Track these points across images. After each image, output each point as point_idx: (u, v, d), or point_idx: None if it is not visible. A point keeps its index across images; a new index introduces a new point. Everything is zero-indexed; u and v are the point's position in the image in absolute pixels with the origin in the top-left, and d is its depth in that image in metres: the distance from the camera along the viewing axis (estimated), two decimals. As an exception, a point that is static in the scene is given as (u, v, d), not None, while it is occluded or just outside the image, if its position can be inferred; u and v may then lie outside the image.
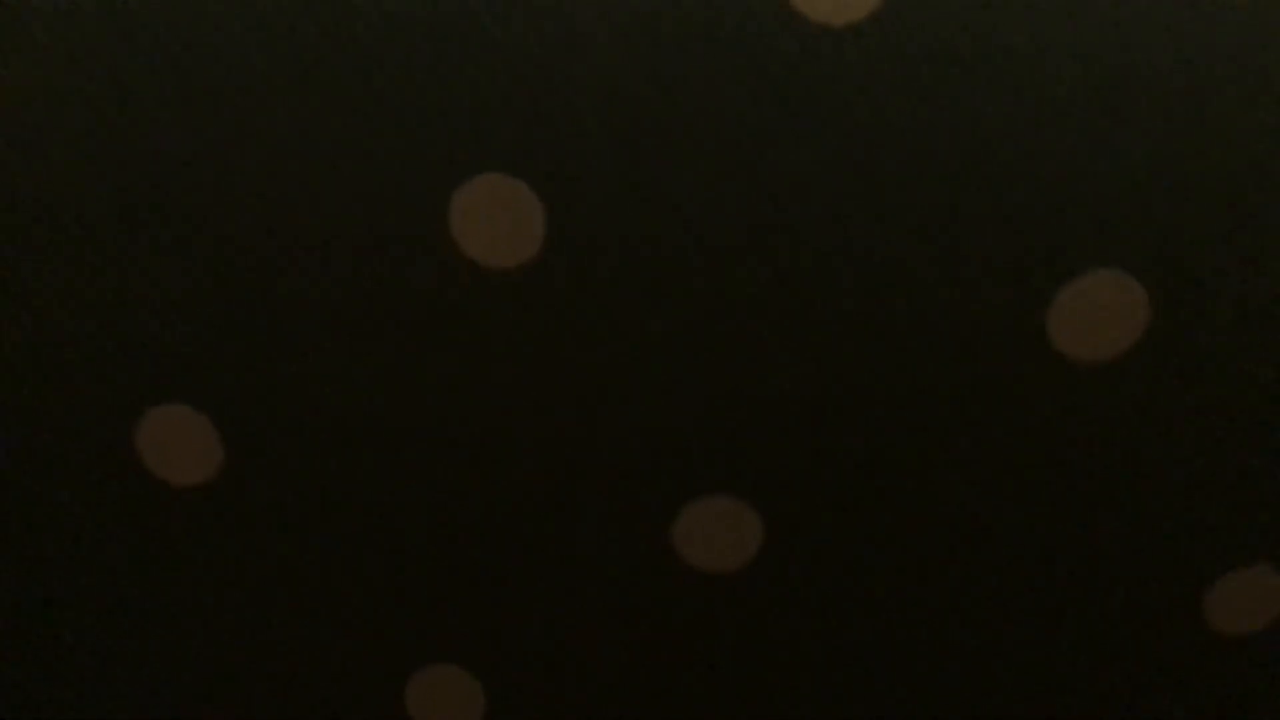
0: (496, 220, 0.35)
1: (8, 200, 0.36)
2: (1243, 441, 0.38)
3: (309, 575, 0.41)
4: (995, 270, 0.35)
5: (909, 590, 0.41)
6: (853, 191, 0.35)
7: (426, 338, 0.37)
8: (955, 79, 0.33)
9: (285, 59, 0.34)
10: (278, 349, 0.38)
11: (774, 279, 0.36)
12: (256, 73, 0.35)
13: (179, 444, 0.39)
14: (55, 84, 0.35)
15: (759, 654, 0.42)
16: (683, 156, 0.34)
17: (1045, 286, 0.35)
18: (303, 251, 0.36)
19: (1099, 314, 0.36)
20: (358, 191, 0.36)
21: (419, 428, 0.39)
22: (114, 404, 0.39)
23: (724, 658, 0.42)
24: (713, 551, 0.40)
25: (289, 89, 0.35)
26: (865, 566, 0.40)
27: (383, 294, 0.37)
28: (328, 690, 0.44)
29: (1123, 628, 0.41)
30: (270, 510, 0.40)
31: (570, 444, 0.39)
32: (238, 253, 0.37)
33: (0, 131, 0.36)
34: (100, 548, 0.41)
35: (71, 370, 0.39)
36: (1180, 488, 0.39)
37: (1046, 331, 0.36)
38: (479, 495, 0.40)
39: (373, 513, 0.40)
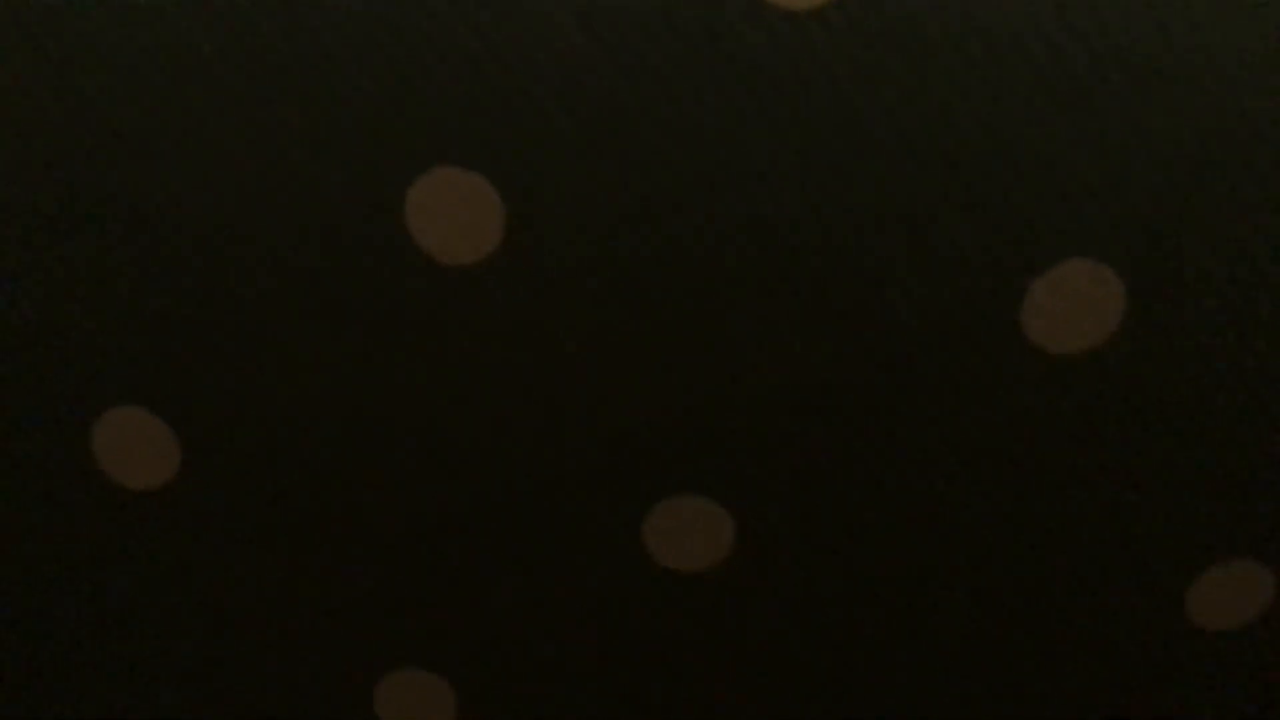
0: (454, 215, 0.34)
1: (-44, 198, 0.36)
2: (1222, 434, 0.37)
3: (271, 578, 0.41)
4: (968, 261, 0.35)
5: (884, 588, 0.40)
6: (821, 182, 0.34)
7: (384, 335, 0.36)
8: (924, 65, 0.32)
9: (237, 50, 0.34)
10: (233, 349, 0.37)
11: (741, 272, 0.35)
12: (208, 65, 0.34)
13: (135, 447, 0.39)
14: None
15: (732, 653, 0.42)
16: (646, 147, 0.34)
17: (1019, 277, 0.35)
18: (257, 249, 0.36)
19: (1074, 305, 0.35)
20: (312, 186, 0.35)
21: (379, 427, 0.38)
22: (69, 407, 0.38)
23: (697, 657, 0.42)
24: (684, 551, 0.40)
25: (241, 80, 0.34)
26: (839, 564, 0.40)
27: (339, 291, 0.36)
28: (294, 694, 0.43)
29: (1104, 623, 0.41)
30: (230, 512, 0.40)
31: (536, 443, 0.38)
32: (192, 251, 0.36)
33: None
34: (57, 552, 0.41)
35: (25, 373, 0.38)
36: (1160, 481, 0.38)
37: (1020, 323, 0.35)
38: (444, 496, 0.39)
39: (334, 514, 0.40)
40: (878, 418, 0.37)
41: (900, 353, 0.36)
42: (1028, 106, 0.32)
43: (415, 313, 0.36)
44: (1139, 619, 0.41)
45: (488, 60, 0.33)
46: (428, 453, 0.38)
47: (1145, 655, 0.41)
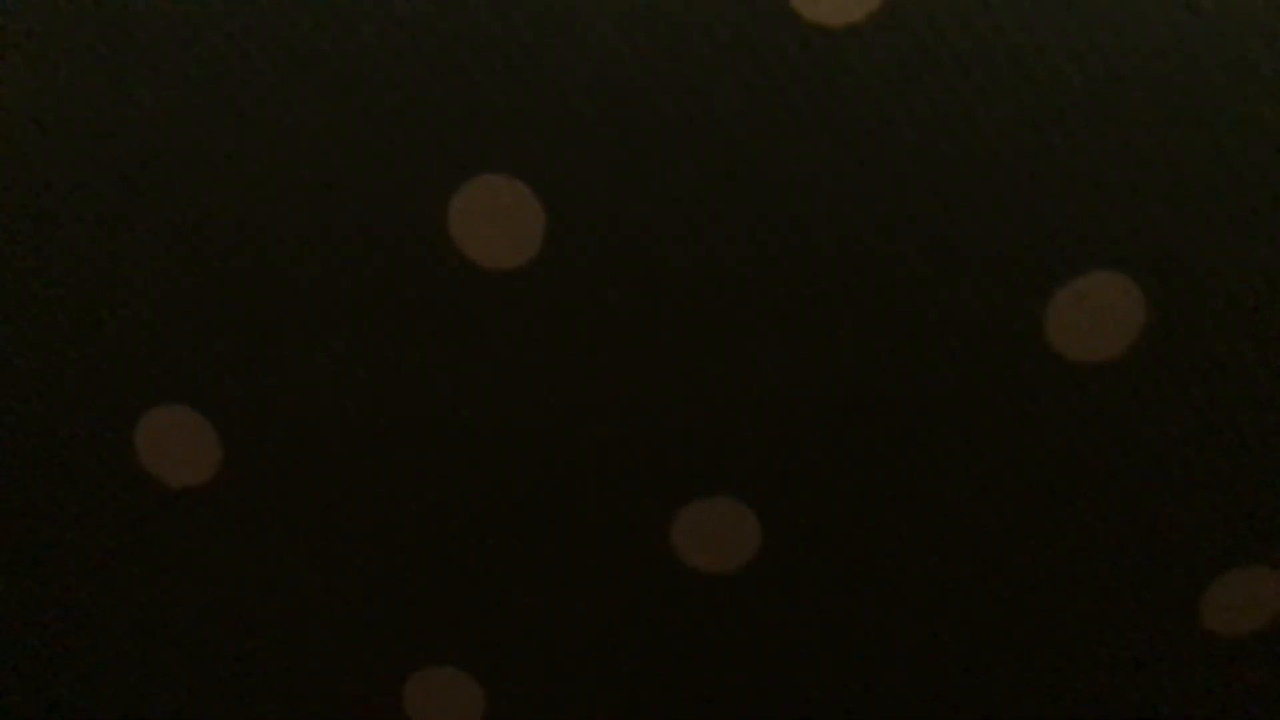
0: (496, 221, 0.35)
1: (1, 201, 0.36)
2: (1240, 442, 0.38)
3: (307, 576, 0.41)
4: (993, 271, 0.35)
5: (906, 590, 0.41)
6: (852, 192, 0.35)
7: (426, 339, 0.37)
8: (954, 80, 0.33)
9: (283, 58, 0.34)
10: (276, 350, 0.38)
11: (773, 280, 0.36)
12: (254, 72, 0.35)
13: (178, 445, 0.39)
14: (50, 83, 0.35)
15: (758, 654, 0.42)
16: (683, 157, 0.35)
17: (1043, 287, 0.35)
18: (301, 252, 0.36)
19: (1096, 315, 0.36)
20: (356, 192, 0.36)
21: (418, 429, 0.39)
22: (112, 405, 0.39)
23: (723, 658, 0.42)
24: (711, 552, 0.40)
25: (287, 88, 0.35)
26: (862, 566, 0.40)
27: (382, 295, 0.37)
28: (326, 691, 0.44)
29: (1119, 628, 0.41)
30: (269, 510, 0.40)
31: (570, 445, 0.39)
32: (236, 253, 0.37)
33: None
34: (100, 549, 0.41)
35: (69, 372, 0.39)
36: (1177, 488, 0.39)
37: (1044, 332, 0.36)
38: (478, 496, 0.40)
39: (371, 513, 0.40)
40: (901, 422, 0.38)
41: (925, 358, 0.37)
42: (1054, 120, 0.33)
43: (457, 316, 0.37)
44: (1154, 624, 0.41)
45: (530, 70, 0.34)
46: (463, 453, 0.39)
47: (1159, 660, 0.42)
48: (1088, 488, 0.39)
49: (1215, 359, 0.37)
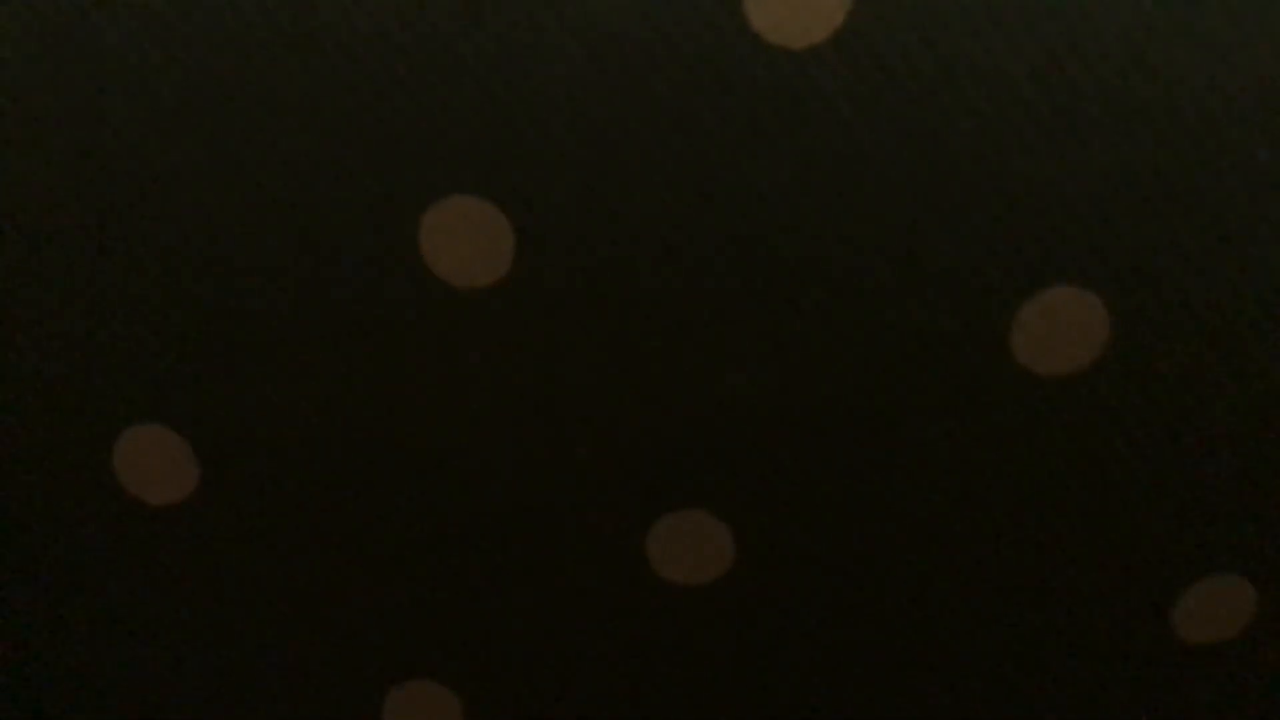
0: (467, 241, 0.36)
1: (-16, 222, 0.37)
2: (1208, 453, 0.38)
3: (285, 591, 0.42)
4: (959, 286, 0.36)
5: (879, 602, 0.41)
6: (818, 208, 0.35)
7: (399, 356, 0.37)
8: (916, 99, 0.34)
9: (256, 78, 0.35)
10: (251, 368, 0.38)
11: (742, 295, 0.36)
12: (227, 92, 0.35)
13: (155, 463, 0.39)
14: (25, 102, 0.35)
15: (734, 666, 0.43)
16: (651, 177, 0.35)
17: (1008, 302, 0.36)
18: (274, 271, 0.37)
19: (1061, 329, 0.36)
20: (329, 212, 0.36)
21: (393, 445, 0.39)
22: (90, 424, 0.39)
23: (699, 670, 0.43)
24: (686, 565, 0.41)
25: (260, 108, 0.35)
26: (835, 578, 0.41)
27: (355, 313, 0.37)
28: (305, 706, 0.44)
29: (1091, 638, 0.42)
30: (247, 527, 0.41)
31: (543, 460, 0.39)
32: (211, 273, 0.37)
33: (-24, 155, 0.36)
34: (79, 567, 0.42)
35: (47, 392, 0.39)
36: (1146, 499, 0.39)
37: (1010, 346, 0.36)
38: (453, 511, 0.40)
39: (348, 529, 0.40)
40: (871, 435, 0.38)
41: (894, 372, 0.37)
42: (1016, 137, 0.34)
43: (429, 334, 0.37)
44: (1124, 632, 0.41)
45: (500, 94, 0.34)
46: (438, 469, 0.39)
47: (1130, 668, 0.42)
48: (1057, 499, 0.39)
49: (1181, 370, 0.37)
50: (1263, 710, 0.43)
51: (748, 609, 0.41)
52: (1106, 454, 0.38)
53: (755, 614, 0.41)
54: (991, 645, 0.42)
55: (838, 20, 0.32)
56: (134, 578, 0.41)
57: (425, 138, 0.35)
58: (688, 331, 0.37)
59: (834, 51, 0.33)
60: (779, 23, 0.32)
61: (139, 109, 0.35)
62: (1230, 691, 0.43)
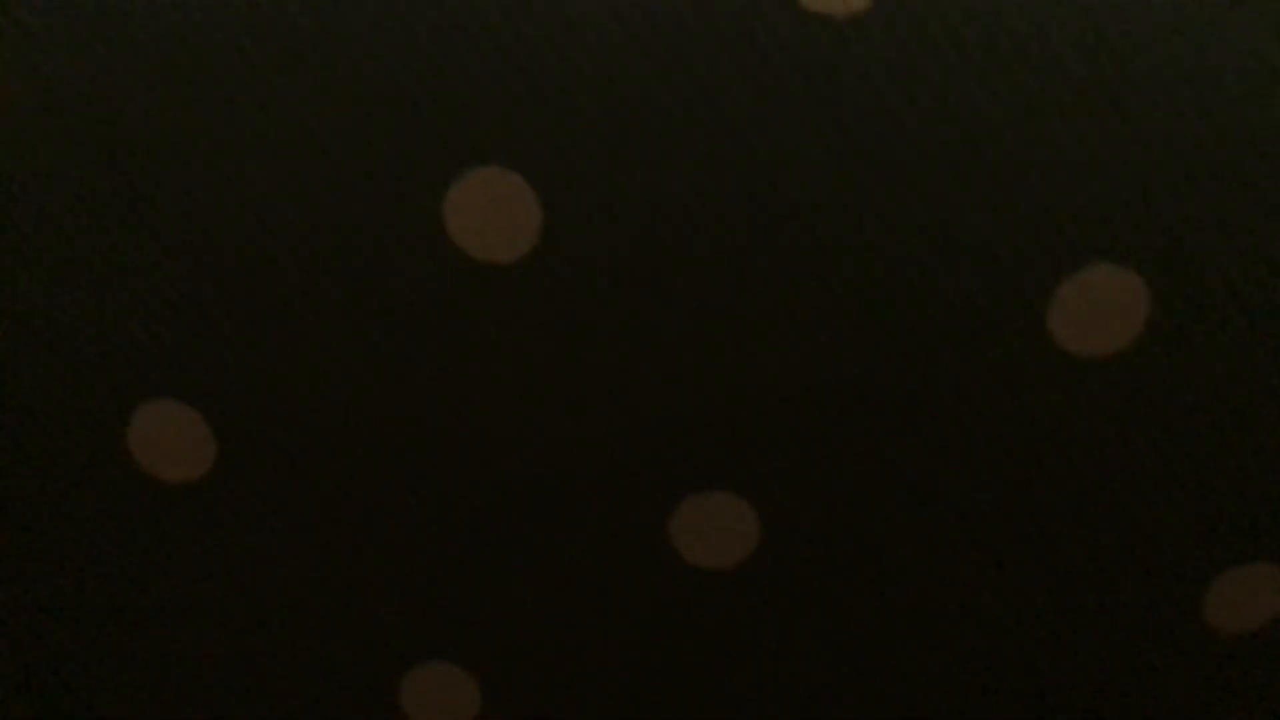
0: (492, 215, 0.35)
1: (-3, 194, 0.36)
2: (1244, 437, 0.38)
3: (302, 571, 0.41)
4: (996, 264, 0.35)
5: (906, 586, 0.41)
6: (853, 183, 0.34)
7: (421, 332, 0.37)
8: (957, 71, 0.33)
9: (277, 52, 0.34)
10: (270, 344, 0.38)
11: (772, 271, 0.36)
12: (247, 65, 0.34)
13: (171, 440, 0.39)
14: (41, 77, 0.35)
15: (757, 650, 0.42)
16: (681, 149, 0.34)
17: (1046, 280, 0.35)
18: (295, 246, 0.36)
19: (1099, 308, 0.36)
20: (352, 186, 0.35)
21: (413, 423, 0.38)
22: (105, 401, 0.39)
23: (722, 654, 0.42)
24: (709, 548, 0.40)
25: (281, 82, 0.35)
26: (862, 562, 0.40)
27: (377, 288, 0.36)
28: (322, 687, 0.44)
29: (1122, 623, 0.41)
30: (263, 506, 0.40)
31: (566, 439, 0.39)
32: (229, 247, 0.37)
33: (-10, 124, 0.36)
34: (94, 545, 0.41)
35: (62, 368, 0.39)
36: (1180, 484, 0.39)
37: (1047, 325, 0.36)
38: (474, 491, 0.40)
39: (367, 508, 0.40)
40: (903, 414, 0.38)
41: (927, 352, 0.37)
42: (1058, 110, 0.33)
43: (452, 309, 0.37)
44: (1157, 620, 0.41)
45: (526, 63, 0.34)
46: (459, 447, 0.39)
47: (1162, 657, 0.42)
48: (1091, 482, 0.39)
49: (1220, 352, 0.36)
50: (1293, 699, 0.43)
51: (772, 593, 0.41)
52: (1142, 437, 0.38)
53: (779, 598, 0.41)
54: (1021, 632, 0.41)
55: (878, -12, 0.32)
56: (149, 556, 0.41)
57: (452, 110, 0.34)
58: (715, 308, 0.36)
59: (876, 20, 0.32)
60: (820, -11, 0.32)
61: (155, 81, 0.35)
62: (1263, 680, 0.42)
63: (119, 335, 0.38)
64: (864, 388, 0.37)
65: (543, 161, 0.34)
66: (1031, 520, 0.39)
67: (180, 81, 0.35)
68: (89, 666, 0.44)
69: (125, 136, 0.35)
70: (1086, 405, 0.37)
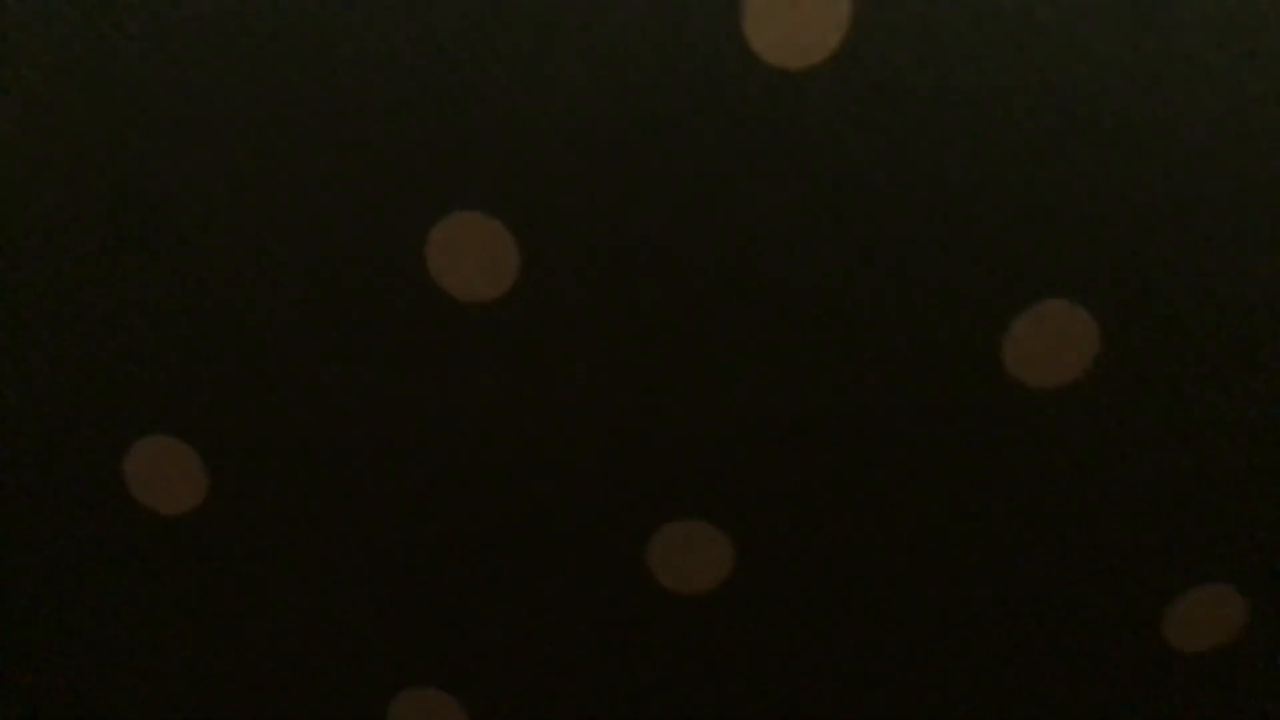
0: (472, 255, 0.36)
1: (-2, 237, 0.37)
2: (1196, 462, 0.39)
3: (292, 600, 0.42)
4: (953, 301, 0.36)
5: (875, 609, 0.41)
6: (816, 226, 0.36)
7: (404, 368, 0.38)
8: (911, 118, 0.34)
9: (269, 97, 0.35)
10: (259, 380, 0.38)
11: (741, 309, 0.37)
12: (240, 110, 0.35)
13: (165, 474, 0.40)
14: (42, 116, 0.36)
15: (733, 672, 0.43)
16: (651, 194, 0.35)
17: (1001, 315, 0.36)
18: (284, 284, 0.37)
19: (1052, 341, 0.37)
20: (338, 226, 0.36)
21: (398, 455, 0.39)
22: (102, 436, 0.40)
23: (698, 678, 0.43)
24: (685, 574, 0.41)
25: (273, 126, 0.36)
26: (832, 587, 0.41)
27: (362, 325, 0.37)
28: (311, 712, 0.44)
29: (1083, 643, 0.42)
30: (254, 537, 0.41)
31: (546, 470, 0.39)
32: (219, 286, 0.37)
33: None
34: (90, 576, 0.42)
35: (60, 404, 0.39)
36: (1137, 508, 0.40)
37: (1002, 358, 0.37)
38: (457, 521, 0.41)
39: (353, 538, 0.41)
40: (868, 447, 0.39)
41: (890, 385, 0.38)
42: (1008, 155, 0.34)
43: (435, 346, 0.37)
44: (1117, 639, 0.42)
45: (505, 113, 0.35)
46: (443, 479, 0.40)
47: (1122, 674, 0.42)
48: (1049, 509, 0.40)
49: (1169, 383, 0.37)
50: (1254, 718, 0.43)
51: (746, 617, 0.42)
52: (1096, 464, 0.39)
53: (753, 622, 0.42)
54: (985, 653, 0.42)
55: (834, 42, 0.33)
56: (145, 586, 0.42)
57: (433, 155, 0.35)
58: (686, 345, 0.37)
59: (831, 72, 0.33)
60: (778, 44, 0.33)
61: (151, 124, 0.36)
62: (1222, 699, 0.43)
63: (116, 373, 0.39)
64: (831, 420, 0.38)
65: (520, 205, 0.36)
66: (991, 546, 0.40)
67: (171, 124, 0.36)
68: (87, 689, 0.44)
69: (117, 177, 0.36)
70: (1041, 435, 0.38)
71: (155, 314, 0.38)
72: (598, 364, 0.38)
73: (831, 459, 0.39)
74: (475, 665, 0.43)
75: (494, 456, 0.39)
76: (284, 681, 0.43)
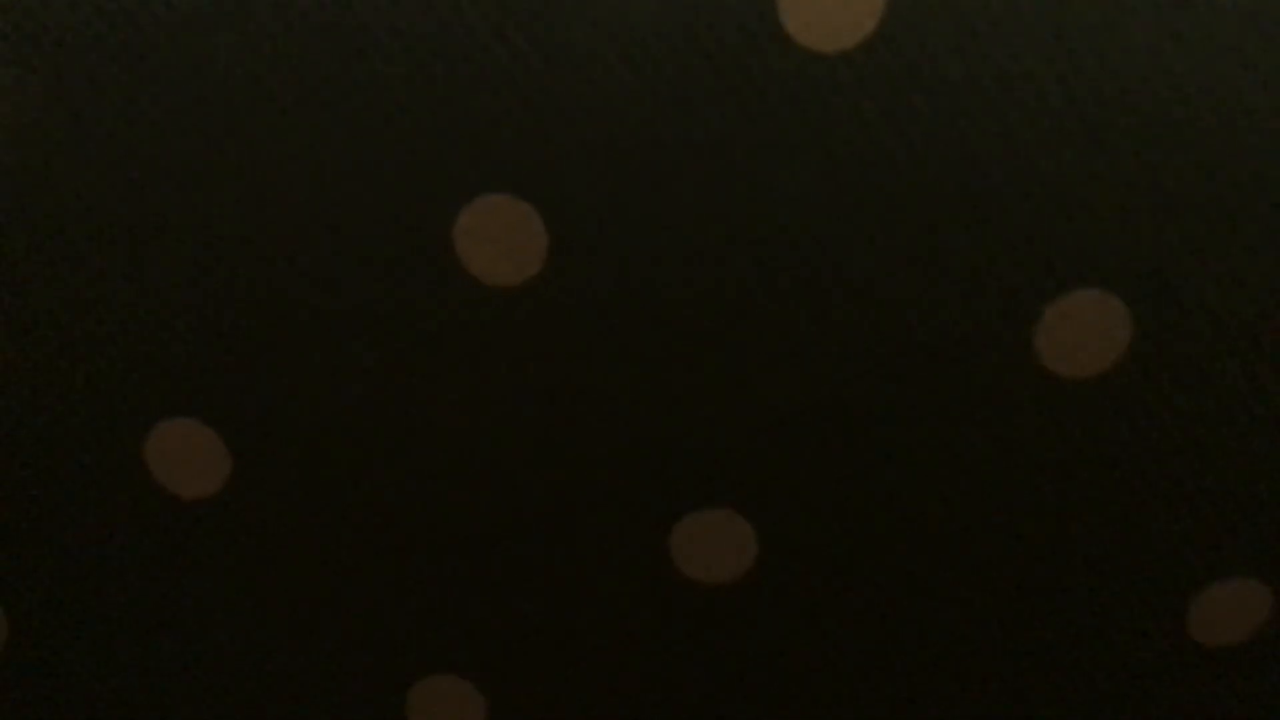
0: (500, 239, 0.36)
1: (17, 216, 0.37)
2: (1225, 455, 0.39)
3: (313, 585, 0.42)
4: (984, 289, 0.36)
5: (899, 601, 0.41)
6: (846, 213, 0.35)
7: (431, 352, 0.38)
8: (944, 104, 0.34)
9: (294, 79, 0.35)
10: (284, 363, 0.38)
11: (769, 296, 0.37)
12: (266, 92, 0.35)
13: (187, 457, 0.40)
14: (66, 101, 0.36)
15: (756, 662, 0.43)
16: (681, 177, 0.35)
17: (1032, 305, 0.36)
18: (310, 268, 0.37)
19: (1083, 331, 0.36)
20: (365, 210, 0.36)
21: (423, 440, 0.39)
22: (123, 418, 0.40)
23: (721, 668, 0.43)
24: (709, 563, 0.41)
25: (298, 108, 0.35)
26: (857, 578, 0.41)
27: (388, 309, 0.37)
28: (331, 698, 0.44)
29: (1106, 637, 0.42)
30: (276, 521, 0.41)
31: (570, 457, 0.39)
32: (245, 268, 0.37)
33: (10, 148, 0.36)
34: (110, 560, 0.42)
35: (81, 385, 0.39)
36: (1163, 500, 0.39)
37: (1033, 348, 0.37)
38: (481, 507, 0.40)
39: (376, 524, 0.41)
40: (895, 437, 0.38)
41: (918, 374, 0.37)
42: (1041, 143, 0.34)
43: (461, 331, 0.37)
44: (1141, 634, 0.42)
45: (532, 94, 0.35)
46: (466, 465, 0.40)
47: (1146, 670, 0.42)
48: (1076, 500, 0.39)
49: (1200, 373, 0.37)
50: (1278, 712, 0.43)
51: (769, 607, 0.42)
52: (1125, 456, 0.39)
53: (777, 612, 0.42)
54: (1009, 646, 0.42)
55: (869, 27, 0.33)
56: (165, 570, 0.42)
57: (461, 138, 0.35)
58: (713, 332, 0.37)
59: (864, 57, 0.33)
60: (812, 26, 0.33)
61: (176, 108, 0.36)
62: (1246, 693, 0.43)
63: (138, 355, 0.39)
64: (858, 409, 0.38)
65: (548, 188, 0.35)
66: (1020, 536, 0.40)
67: (199, 109, 0.36)
68: (105, 673, 0.44)
69: (142, 160, 0.36)
70: (1072, 425, 0.38)
71: (179, 297, 0.38)
72: (623, 350, 0.37)
73: (858, 448, 0.39)
74: (496, 653, 0.43)
75: (518, 443, 0.39)
76: (304, 666, 0.44)
